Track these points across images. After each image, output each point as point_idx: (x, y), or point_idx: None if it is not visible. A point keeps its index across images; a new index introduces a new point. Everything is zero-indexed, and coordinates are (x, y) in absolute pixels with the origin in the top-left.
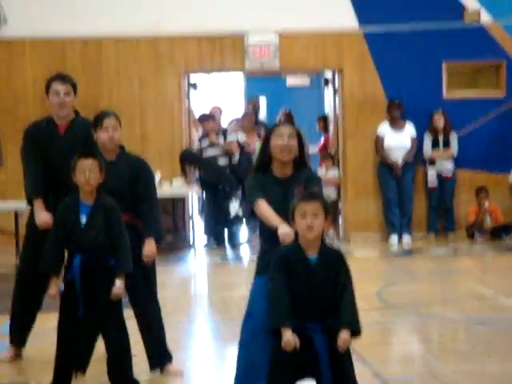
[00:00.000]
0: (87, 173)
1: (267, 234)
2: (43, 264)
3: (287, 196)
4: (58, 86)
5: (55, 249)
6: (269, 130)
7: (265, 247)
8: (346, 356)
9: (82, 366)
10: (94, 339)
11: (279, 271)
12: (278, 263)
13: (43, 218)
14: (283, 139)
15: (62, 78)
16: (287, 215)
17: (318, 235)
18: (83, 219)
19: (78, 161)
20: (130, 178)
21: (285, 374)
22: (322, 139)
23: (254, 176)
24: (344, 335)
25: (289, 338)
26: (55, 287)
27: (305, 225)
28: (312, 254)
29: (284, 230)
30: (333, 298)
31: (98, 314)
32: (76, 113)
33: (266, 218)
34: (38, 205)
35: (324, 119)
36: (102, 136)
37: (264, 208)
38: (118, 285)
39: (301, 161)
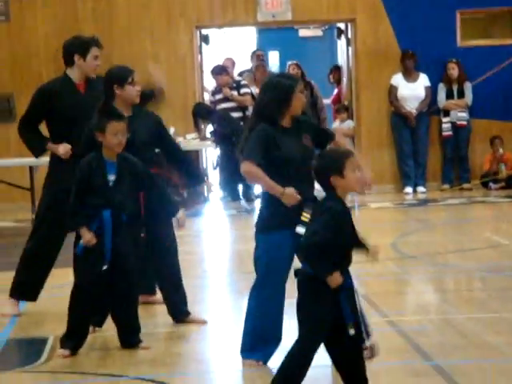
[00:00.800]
0: (120, 135)
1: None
2: (73, 221)
3: (300, 143)
4: (97, 52)
5: (80, 206)
6: (290, 87)
7: (272, 201)
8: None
9: (100, 320)
10: (112, 294)
11: (334, 230)
12: (335, 222)
13: (64, 147)
14: (303, 97)
15: (99, 43)
16: (305, 162)
17: None
18: (111, 177)
19: (110, 123)
20: (152, 132)
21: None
22: (336, 91)
23: (264, 130)
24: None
25: (338, 277)
26: (89, 234)
27: (360, 179)
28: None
29: (291, 193)
30: None
31: (123, 266)
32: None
33: (265, 183)
34: (51, 145)
35: (337, 70)
36: (130, 91)
37: (259, 173)
38: (181, 214)
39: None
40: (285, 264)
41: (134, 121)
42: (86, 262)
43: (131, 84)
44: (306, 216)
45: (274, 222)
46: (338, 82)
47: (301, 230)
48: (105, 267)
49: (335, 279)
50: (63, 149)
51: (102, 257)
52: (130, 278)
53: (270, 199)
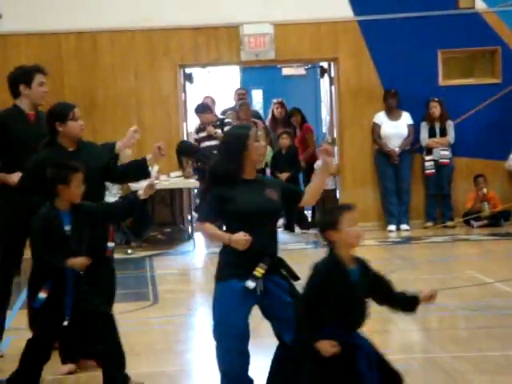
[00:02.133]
0: (82, 186)
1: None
2: (56, 262)
3: (261, 195)
4: (43, 78)
5: (50, 252)
6: (244, 136)
7: (226, 251)
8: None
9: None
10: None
11: (319, 289)
12: (320, 280)
13: (17, 176)
14: (261, 142)
15: (43, 70)
16: (264, 214)
17: None
18: (67, 227)
19: (74, 175)
20: (99, 164)
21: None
22: (299, 132)
23: (216, 190)
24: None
25: (325, 345)
26: (82, 258)
27: (357, 233)
28: (351, 266)
29: (238, 237)
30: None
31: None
32: None
33: (214, 237)
34: (2, 175)
35: (297, 112)
36: (74, 126)
37: (207, 228)
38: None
39: None
40: (235, 315)
41: (81, 154)
42: (46, 315)
43: (73, 119)
44: (259, 271)
45: (225, 272)
46: (300, 124)
47: (250, 284)
48: (66, 323)
49: (324, 348)
50: (17, 177)
51: (62, 312)
52: (102, 322)
53: (223, 249)
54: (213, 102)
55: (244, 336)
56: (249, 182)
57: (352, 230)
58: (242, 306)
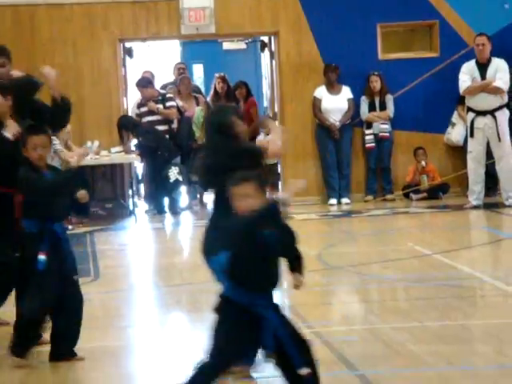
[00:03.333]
0: (39, 149)
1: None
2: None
3: None
4: None
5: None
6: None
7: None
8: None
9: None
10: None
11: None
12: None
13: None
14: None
15: None
16: None
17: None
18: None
19: (29, 137)
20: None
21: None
22: (243, 106)
23: None
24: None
25: None
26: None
27: (241, 208)
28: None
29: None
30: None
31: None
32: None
33: None
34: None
35: (243, 85)
36: None
37: None
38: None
39: None
40: None
41: None
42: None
43: None
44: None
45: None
46: (245, 97)
47: None
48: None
49: None
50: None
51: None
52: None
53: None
54: (152, 76)
55: None
56: None
57: (238, 204)
58: None
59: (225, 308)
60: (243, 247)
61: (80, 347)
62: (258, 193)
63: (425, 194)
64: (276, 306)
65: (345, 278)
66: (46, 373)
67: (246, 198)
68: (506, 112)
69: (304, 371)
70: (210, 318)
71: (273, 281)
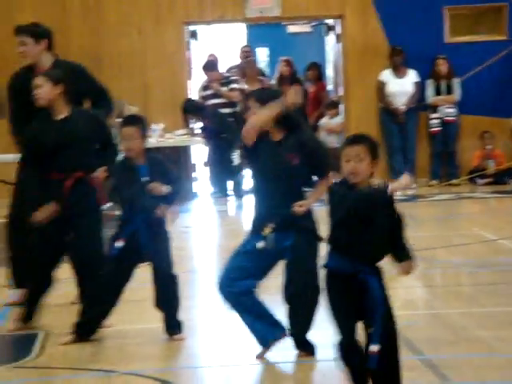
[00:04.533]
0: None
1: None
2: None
3: (280, 158)
4: (18, 38)
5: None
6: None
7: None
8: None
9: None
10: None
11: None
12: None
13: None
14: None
15: (16, 30)
16: (279, 177)
17: (363, 179)
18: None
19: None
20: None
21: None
22: (312, 88)
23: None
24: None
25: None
26: None
27: (348, 169)
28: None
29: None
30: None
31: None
32: (56, 56)
33: None
34: None
35: (315, 67)
36: None
37: None
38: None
39: (292, 121)
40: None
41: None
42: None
43: None
44: (265, 231)
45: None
46: (316, 79)
47: (260, 244)
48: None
49: None
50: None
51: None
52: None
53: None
54: (216, 59)
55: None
56: (274, 143)
57: (344, 165)
58: (251, 263)
59: (329, 280)
60: (353, 218)
61: (145, 327)
62: (368, 159)
63: (491, 179)
64: (380, 278)
65: None
66: (113, 350)
67: (356, 161)
68: None
69: (374, 348)
70: (272, 300)
71: (378, 255)
